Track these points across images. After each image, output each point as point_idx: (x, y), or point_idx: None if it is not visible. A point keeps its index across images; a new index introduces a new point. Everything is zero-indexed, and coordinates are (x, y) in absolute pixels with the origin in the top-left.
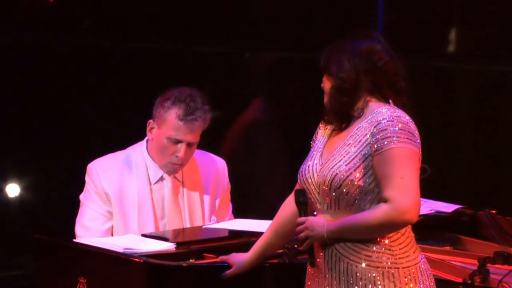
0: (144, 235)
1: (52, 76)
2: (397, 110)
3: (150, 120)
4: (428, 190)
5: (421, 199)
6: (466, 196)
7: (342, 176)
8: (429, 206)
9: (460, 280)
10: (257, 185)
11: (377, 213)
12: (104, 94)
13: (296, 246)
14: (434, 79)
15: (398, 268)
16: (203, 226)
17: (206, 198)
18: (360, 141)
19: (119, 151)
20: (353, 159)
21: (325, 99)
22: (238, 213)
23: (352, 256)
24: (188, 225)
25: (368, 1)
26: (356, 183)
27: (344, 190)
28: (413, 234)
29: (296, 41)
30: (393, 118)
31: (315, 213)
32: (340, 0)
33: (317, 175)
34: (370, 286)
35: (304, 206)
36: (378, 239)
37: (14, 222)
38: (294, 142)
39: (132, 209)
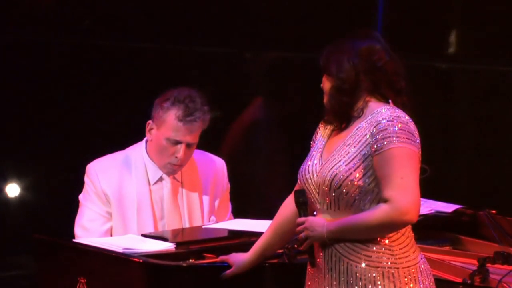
0: (143, 235)
1: (52, 76)
2: (397, 110)
3: (149, 121)
4: (428, 190)
5: (421, 199)
6: (466, 196)
7: (342, 176)
8: (429, 206)
9: (460, 280)
10: (257, 185)
11: (377, 213)
12: (104, 94)
13: (296, 246)
14: (434, 79)
15: (398, 268)
16: (203, 226)
17: (205, 198)
18: (360, 141)
19: (118, 152)
20: (353, 159)
21: (325, 99)
22: (238, 213)
23: (352, 256)
24: (187, 226)
25: (368, 1)
26: (356, 183)
27: (344, 190)
28: (413, 234)
29: (296, 41)
30: (392, 118)
31: (314, 213)
32: (340, 0)
33: (317, 175)
34: (370, 286)
35: (304, 206)
36: (378, 239)
37: (14, 222)
38: (294, 142)
39: (131, 210)
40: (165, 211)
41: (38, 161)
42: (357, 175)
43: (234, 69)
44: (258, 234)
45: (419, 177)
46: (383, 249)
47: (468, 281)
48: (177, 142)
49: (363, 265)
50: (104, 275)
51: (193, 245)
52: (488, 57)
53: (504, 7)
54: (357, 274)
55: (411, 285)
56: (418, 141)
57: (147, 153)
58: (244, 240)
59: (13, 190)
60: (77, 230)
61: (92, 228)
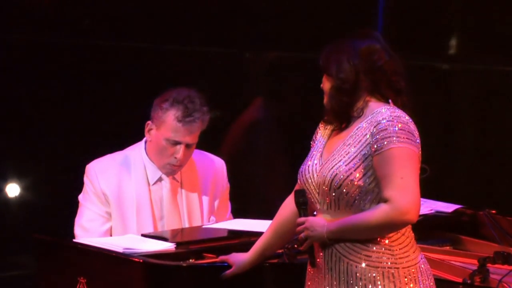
0: (144, 235)
1: (52, 76)
2: (397, 110)
3: (149, 121)
4: (428, 190)
5: (421, 199)
6: (466, 196)
7: (342, 176)
8: (429, 206)
9: (460, 280)
10: (257, 185)
11: (377, 213)
12: (104, 94)
13: (296, 246)
14: (435, 79)
15: (398, 268)
16: (203, 226)
17: (205, 198)
18: (360, 141)
19: (117, 152)
20: (353, 159)
21: (325, 100)
22: (238, 213)
23: (352, 256)
24: (187, 226)
25: (368, 1)
26: (356, 183)
27: (344, 190)
28: (413, 234)
29: (296, 41)
30: (393, 118)
31: (314, 213)
32: (340, 0)
33: (317, 175)
34: (370, 286)
35: (304, 206)
36: (378, 239)
37: (14, 222)
38: (294, 142)
39: (131, 210)
40: (164, 211)
41: (38, 161)
42: (357, 175)
43: (234, 69)
44: (258, 234)
45: (419, 177)
46: (383, 249)
47: (468, 281)
48: (176, 143)
49: (363, 265)
50: (104, 275)
51: (193, 245)
52: (488, 58)
53: (504, 7)
54: (357, 274)
55: (411, 285)
56: (418, 141)
57: (147, 154)
58: (244, 240)
59: (13, 190)
60: (77, 230)
61: (92, 228)
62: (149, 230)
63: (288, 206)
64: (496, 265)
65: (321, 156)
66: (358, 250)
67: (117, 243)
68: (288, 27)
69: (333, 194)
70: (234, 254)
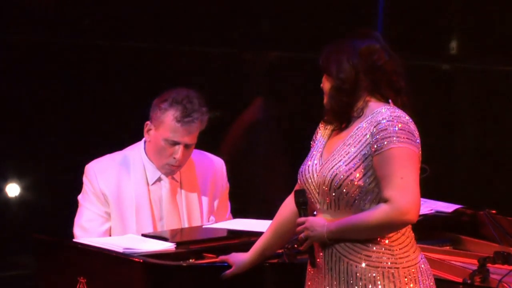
0: (144, 235)
1: (52, 76)
2: (397, 110)
3: (147, 122)
4: (428, 190)
5: (421, 199)
6: (466, 196)
7: (342, 176)
8: (429, 206)
9: (460, 280)
10: (257, 185)
11: (377, 213)
12: (104, 94)
13: (296, 246)
14: (435, 79)
15: (398, 268)
16: (203, 226)
17: (204, 198)
18: (360, 141)
19: (116, 152)
20: (353, 159)
21: (325, 100)
22: (238, 213)
23: (352, 256)
24: (186, 226)
25: (368, 1)
26: (356, 183)
27: (344, 190)
28: (413, 234)
29: (296, 41)
30: (393, 118)
31: (314, 213)
32: (340, 0)
33: (317, 175)
34: (370, 286)
35: (304, 206)
36: (378, 239)
37: (14, 222)
38: (294, 142)
39: (130, 210)
40: (163, 212)
41: (38, 161)
42: (357, 175)
43: (234, 69)
44: (258, 234)
45: (419, 177)
46: (383, 249)
47: (468, 281)
48: (175, 143)
49: (363, 265)
50: (104, 275)
51: (193, 245)
52: (489, 58)
53: (505, 7)
54: (357, 274)
55: (411, 285)
56: (418, 141)
57: (146, 154)
58: (244, 240)
59: (13, 190)
60: (76, 230)
61: (91, 228)
62: (149, 230)
63: (288, 206)
64: (496, 265)
65: (321, 156)
66: (358, 250)
67: (117, 243)
68: (288, 27)
69: (333, 194)
70: (234, 254)
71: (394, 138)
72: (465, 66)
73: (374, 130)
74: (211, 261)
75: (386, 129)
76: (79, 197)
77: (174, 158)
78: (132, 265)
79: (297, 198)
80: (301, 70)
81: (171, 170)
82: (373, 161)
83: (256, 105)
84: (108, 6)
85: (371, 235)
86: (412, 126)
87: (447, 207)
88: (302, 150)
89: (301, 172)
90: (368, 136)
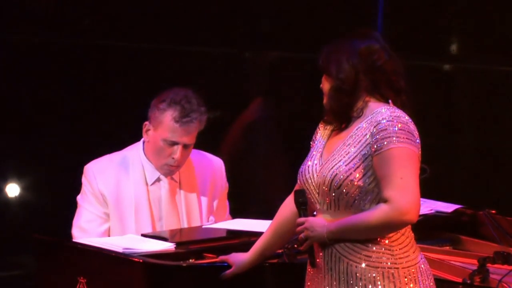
0: (143, 235)
1: (52, 76)
2: (397, 110)
3: (146, 122)
4: (428, 190)
5: (421, 199)
6: (466, 196)
7: (342, 177)
8: (429, 206)
9: (460, 280)
10: (257, 185)
11: (377, 213)
12: (104, 94)
13: (296, 246)
14: (435, 79)
15: (398, 268)
16: (203, 226)
17: (204, 198)
18: (359, 141)
19: (115, 152)
20: (353, 159)
21: (325, 100)
22: (238, 213)
23: (352, 256)
24: (186, 226)
25: (368, 1)
26: (356, 183)
27: (344, 190)
28: (413, 234)
29: (296, 41)
30: (392, 118)
31: (314, 213)
32: (340, 0)
33: (317, 175)
34: (370, 286)
35: (304, 206)
36: (378, 239)
37: (14, 222)
38: (294, 142)
39: (129, 211)
40: (163, 212)
41: (38, 161)
42: (357, 175)
43: (234, 69)
44: (258, 234)
45: (419, 177)
46: (383, 249)
47: (468, 281)
48: (174, 143)
49: (363, 265)
50: (104, 275)
51: (193, 245)
52: (489, 58)
53: (505, 7)
54: (357, 274)
55: (411, 285)
56: (418, 141)
57: (145, 154)
58: (244, 240)
59: (13, 190)
60: (75, 231)
61: (90, 229)
62: (148, 230)
63: (288, 206)
64: (496, 265)
65: (321, 156)
66: (358, 250)
67: (117, 243)
68: (288, 27)
69: (333, 194)
70: (234, 254)
71: (394, 138)
72: (465, 66)
73: (374, 130)
74: (211, 261)
75: (386, 129)
76: (78, 198)
77: (173, 158)
78: (132, 265)
79: (297, 198)
80: (301, 70)
81: (170, 170)
82: (373, 161)
83: (256, 105)
84: (108, 6)
85: (371, 235)
86: (412, 126)
87: (447, 207)
88: (302, 150)
89: (301, 172)
90: (368, 136)
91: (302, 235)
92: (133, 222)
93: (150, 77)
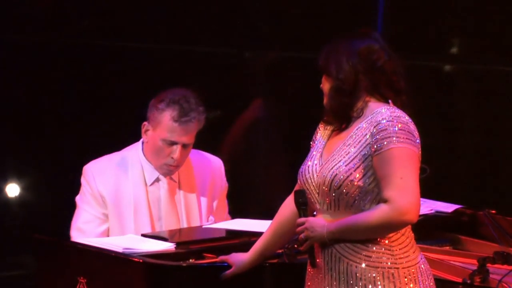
0: (143, 235)
1: (52, 76)
2: (397, 110)
3: (145, 122)
4: (428, 190)
5: (421, 199)
6: (466, 196)
7: (342, 177)
8: (429, 206)
9: (460, 280)
10: (257, 185)
11: (377, 213)
12: (103, 94)
13: (296, 246)
14: (435, 79)
15: (398, 268)
16: (203, 226)
17: (203, 198)
18: (359, 141)
19: (114, 153)
20: (353, 159)
21: (325, 100)
22: (238, 213)
23: (352, 256)
24: (185, 226)
25: (368, 1)
26: (356, 183)
27: (344, 191)
28: (413, 234)
29: (296, 41)
30: (392, 118)
31: (314, 213)
32: (340, 0)
33: (317, 175)
34: (370, 286)
35: (304, 206)
36: (378, 239)
37: (14, 222)
38: (294, 142)
39: (128, 211)
40: (162, 212)
41: (38, 161)
42: (357, 175)
43: (234, 69)
44: (258, 234)
45: (419, 177)
46: (383, 249)
47: (468, 281)
48: (173, 143)
49: (363, 265)
50: (104, 275)
51: (193, 245)
52: (489, 58)
53: (505, 7)
54: (357, 274)
55: (411, 285)
56: (418, 141)
57: (144, 154)
58: (244, 240)
59: (13, 190)
60: (73, 232)
61: (88, 230)
62: (147, 230)
63: (288, 206)
64: (496, 265)
65: (321, 156)
66: (358, 251)
67: (117, 243)
68: (288, 27)
69: (333, 194)
70: (234, 254)
71: (394, 138)
72: (465, 66)
73: (374, 130)
74: (211, 261)
75: (386, 129)
76: (77, 198)
77: (172, 158)
78: (132, 265)
79: (297, 198)
80: (301, 70)
81: (169, 170)
82: (373, 161)
83: (256, 105)
84: (108, 6)
85: (371, 235)
86: (412, 126)
87: (447, 207)
88: (302, 150)
89: (301, 173)
90: (368, 136)
91: (302, 235)
92: (132, 222)
93: (150, 77)
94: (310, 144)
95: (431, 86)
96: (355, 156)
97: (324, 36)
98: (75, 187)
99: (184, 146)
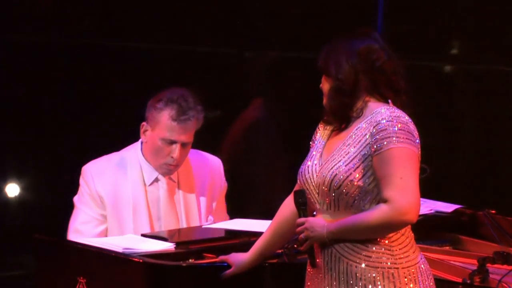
0: (143, 235)
1: (52, 76)
2: (397, 110)
3: (143, 123)
4: (428, 190)
5: (421, 199)
6: (466, 196)
7: (341, 177)
8: (429, 206)
9: (460, 280)
10: (256, 185)
11: (377, 213)
12: (103, 94)
13: (295, 246)
14: (435, 79)
15: (397, 268)
16: (203, 226)
17: (202, 198)
18: (359, 141)
19: (113, 153)
20: (353, 159)
21: (324, 100)
22: (238, 213)
23: (352, 256)
24: (184, 226)
25: (368, 1)
26: (355, 183)
27: (344, 191)
28: (413, 234)
29: (296, 41)
30: (392, 118)
31: (314, 213)
32: (340, 0)
33: (317, 175)
34: (370, 286)
35: (304, 206)
36: (378, 239)
37: (14, 222)
38: (294, 142)
39: (127, 211)
40: (161, 212)
41: (38, 161)
42: (357, 175)
43: (234, 69)
44: (258, 234)
45: (419, 177)
46: (383, 249)
47: (468, 281)
48: (172, 142)
49: (363, 265)
50: (104, 275)
51: (193, 245)
52: (489, 58)
53: (505, 7)
54: (357, 274)
55: (411, 285)
56: (418, 141)
57: (143, 154)
58: (244, 240)
59: (13, 190)
60: (71, 232)
61: (86, 230)
62: (146, 231)
63: (288, 206)
64: (496, 265)
65: (320, 156)
66: (358, 251)
67: (117, 243)
68: (288, 27)
69: (333, 194)
70: (234, 254)
71: (394, 138)
72: (465, 66)
73: (374, 130)
74: (211, 261)
75: (386, 129)
76: (75, 199)
77: (172, 157)
78: (132, 265)
79: (296, 198)
80: (301, 70)
81: (168, 169)
82: (373, 161)
83: (256, 105)
84: (108, 6)
85: (371, 235)
86: (412, 126)
87: (447, 207)
88: (302, 150)
89: (301, 173)
90: (367, 136)
91: (302, 235)
92: (131, 222)
93: (150, 77)
94: (310, 144)
95: (431, 86)
96: (355, 156)
97: (324, 36)
98: (75, 187)
99: (183, 145)
